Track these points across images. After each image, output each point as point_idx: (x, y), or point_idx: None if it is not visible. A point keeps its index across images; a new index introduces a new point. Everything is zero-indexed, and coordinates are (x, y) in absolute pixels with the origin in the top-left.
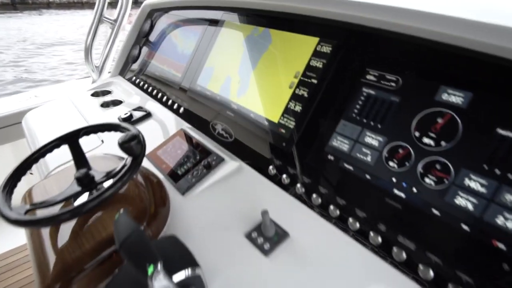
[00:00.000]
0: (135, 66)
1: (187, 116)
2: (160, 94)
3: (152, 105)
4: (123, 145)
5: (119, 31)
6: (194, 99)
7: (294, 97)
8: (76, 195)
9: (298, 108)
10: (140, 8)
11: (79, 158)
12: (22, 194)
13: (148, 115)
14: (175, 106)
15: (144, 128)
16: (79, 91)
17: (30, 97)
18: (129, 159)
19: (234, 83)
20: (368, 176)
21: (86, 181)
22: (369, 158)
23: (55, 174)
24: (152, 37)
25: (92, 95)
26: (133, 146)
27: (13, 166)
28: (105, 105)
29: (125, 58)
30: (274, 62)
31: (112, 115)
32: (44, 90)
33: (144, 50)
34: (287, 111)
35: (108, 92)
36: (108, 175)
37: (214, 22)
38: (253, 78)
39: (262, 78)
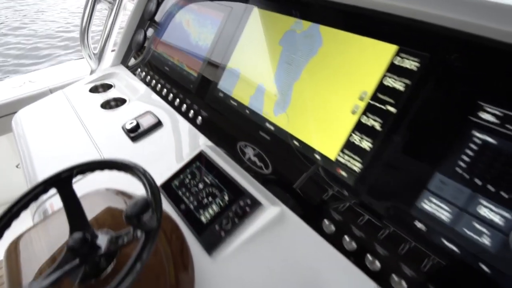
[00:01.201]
0: (139, 56)
1: (207, 129)
2: (171, 96)
3: (162, 109)
4: (131, 219)
5: (119, 11)
6: (215, 108)
7: (360, 127)
8: (73, 270)
9: (366, 144)
10: None
11: (74, 213)
12: None
13: (158, 124)
14: (191, 114)
15: (154, 143)
16: (76, 85)
17: (24, 82)
18: (140, 234)
19: (270, 95)
20: (484, 267)
21: (83, 251)
22: (486, 241)
23: (47, 220)
24: (160, 20)
25: (91, 90)
26: (146, 221)
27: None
28: (106, 105)
29: (128, 44)
30: (326, 73)
31: (115, 120)
32: (40, 74)
33: (150, 35)
34: (349, 146)
35: (110, 86)
36: (114, 242)
37: (239, 8)
38: (296, 92)
39: (309, 93)
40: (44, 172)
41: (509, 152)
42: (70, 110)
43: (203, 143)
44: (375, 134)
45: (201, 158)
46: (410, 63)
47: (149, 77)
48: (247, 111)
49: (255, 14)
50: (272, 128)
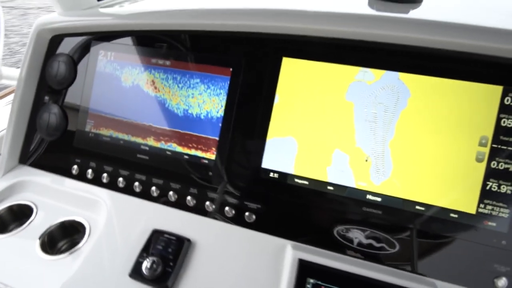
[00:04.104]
0: (58, 143)
1: (271, 226)
2: (172, 196)
3: (187, 222)
4: None
5: None
6: (270, 196)
7: (493, 173)
8: None
9: (506, 188)
10: (32, 33)
11: None
12: None
13: (184, 241)
14: (230, 213)
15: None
16: None
17: None
18: None
19: (358, 162)
20: None
21: None
22: None
23: None
24: (88, 87)
25: None
26: None
27: None
28: (51, 247)
29: (24, 133)
30: (428, 125)
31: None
32: None
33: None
34: (487, 195)
35: (28, 212)
36: None
37: (257, 58)
38: (396, 151)
39: (414, 150)
40: None
41: None
42: None
43: (287, 249)
44: (511, 176)
45: (307, 269)
46: None
47: (103, 172)
48: (330, 188)
49: (289, 64)
50: (378, 199)
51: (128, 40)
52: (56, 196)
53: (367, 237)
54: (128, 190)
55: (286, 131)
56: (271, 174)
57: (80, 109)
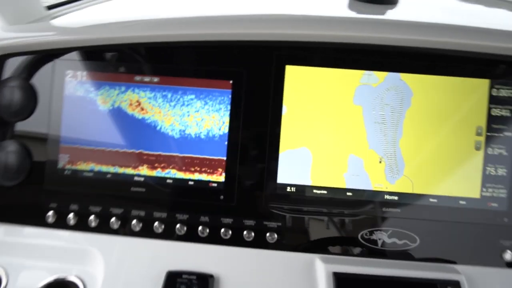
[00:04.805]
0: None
1: (291, 242)
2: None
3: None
4: None
5: None
6: (299, 212)
7: (490, 159)
8: None
9: (501, 171)
10: None
11: None
12: None
13: (208, 279)
14: (248, 237)
15: None
16: None
17: None
18: None
19: (372, 165)
20: None
21: None
22: None
23: None
24: (57, 115)
25: None
26: None
27: None
28: None
29: None
30: (431, 121)
31: None
32: None
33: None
34: (487, 179)
35: None
36: None
37: (260, 69)
38: (406, 149)
39: (421, 146)
40: None
41: None
42: None
43: (317, 264)
44: (505, 160)
45: (344, 282)
46: (507, 92)
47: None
48: (349, 194)
49: (292, 72)
50: (395, 198)
51: (101, 56)
52: (32, 253)
53: (390, 236)
54: (124, 230)
55: (298, 142)
56: (288, 189)
57: (48, 142)
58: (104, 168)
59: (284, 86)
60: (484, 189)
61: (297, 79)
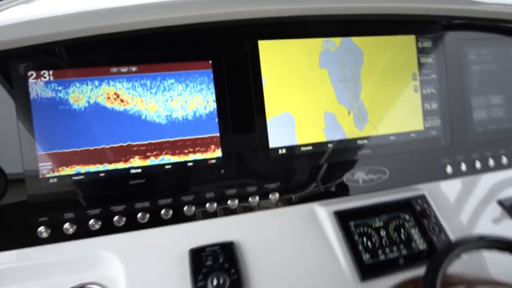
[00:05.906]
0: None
1: (290, 198)
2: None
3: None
4: None
5: None
6: (293, 169)
7: (426, 98)
8: None
9: (434, 106)
10: None
11: None
12: None
13: (230, 245)
14: (255, 200)
15: None
16: None
17: None
18: None
19: (344, 117)
20: None
21: None
22: None
23: None
24: (15, 118)
25: None
26: None
27: None
28: None
29: None
30: (380, 73)
31: None
32: None
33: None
34: (426, 113)
35: None
36: None
37: (233, 46)
38: (366, 100)
39: (377, 95)
40: None
41: None
42: None
43: (317, 210)
44: (435, 96)
45: (345, 217)
46: (427, 43)
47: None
48: (330, 145)
49: (265, 46)
50: (365, 141)
51: (68, 50)
52: (34, 273)
53: (367, 173)
54: (132, 225)
55: (281, 108)
56: (280, 151)
57: (23, 153)
58: (93, 168)
59: (260, 60)
60: (425, 122)
61: (270, 52)
